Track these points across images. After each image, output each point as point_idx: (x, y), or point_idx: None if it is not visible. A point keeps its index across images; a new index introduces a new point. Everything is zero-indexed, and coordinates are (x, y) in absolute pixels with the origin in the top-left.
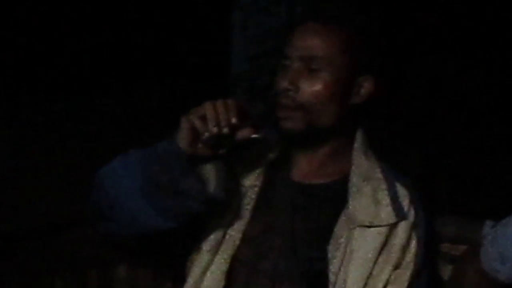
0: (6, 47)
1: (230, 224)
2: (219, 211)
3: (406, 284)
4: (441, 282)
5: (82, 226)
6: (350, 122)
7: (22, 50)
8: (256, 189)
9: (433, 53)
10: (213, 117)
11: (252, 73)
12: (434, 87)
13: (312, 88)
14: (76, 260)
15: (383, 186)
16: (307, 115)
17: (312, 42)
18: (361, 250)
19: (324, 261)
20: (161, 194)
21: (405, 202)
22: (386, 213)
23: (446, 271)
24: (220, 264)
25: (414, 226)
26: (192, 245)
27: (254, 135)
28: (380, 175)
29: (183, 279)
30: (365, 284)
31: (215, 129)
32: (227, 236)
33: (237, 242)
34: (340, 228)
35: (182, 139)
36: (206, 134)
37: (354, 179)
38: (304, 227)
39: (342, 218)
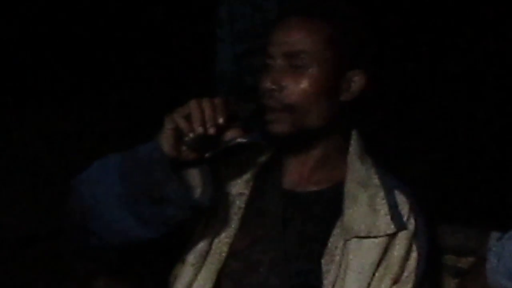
0: None
1: (216, 235)
2: (205, 221)
3: None
4: None
5: (59, 237)
6: (342, 122)
7: None
8: (244, 197)
9: (439, 48)
10: (198, 116)
11: (239, 72)
12: (440, 84)
13: (297, 86)
14: (52, 273)
15: (381, 193)
16: (294, 116)
17: (294, 37)
18: (358, 262)
19: (317, 274)
20: (142, 202)
21: (404, 210)
22: (384, 223)
23: (450, 286)
24: (206, 279)
25: (414, 237)
26: (175, 258)
27: (242, 138)
28: (377, 182)
29: None
30: None
31: (200, 129)
32: (213, 248)
33: (224, 254)
34: (334, 239)
35: (165, 140)
36: (191, 134)
37: (350, 186)
38: (296, 239)
39: (337, 229)
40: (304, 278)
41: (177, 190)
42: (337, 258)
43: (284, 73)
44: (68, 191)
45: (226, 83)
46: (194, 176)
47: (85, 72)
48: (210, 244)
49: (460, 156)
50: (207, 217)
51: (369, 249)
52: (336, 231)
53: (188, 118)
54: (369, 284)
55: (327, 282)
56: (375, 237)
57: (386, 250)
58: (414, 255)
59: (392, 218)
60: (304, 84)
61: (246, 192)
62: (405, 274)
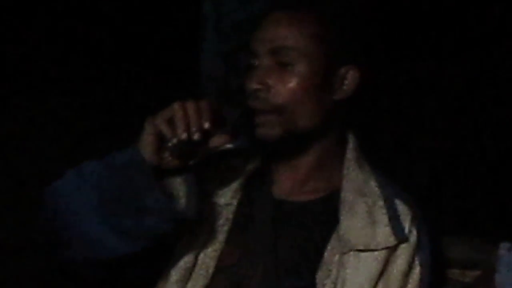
0: None
1: (202, 249)
2: (190, 233)
3: None
4: None
5: (31, 253)
6: (337, 124)
7: None
8: (232, 207)
9: (444, 49)
10: (182, 121)
11: (226, 72)
12: (443, 86)
13: (285, 85)
14: None
15: (380, 202)
16: (283, 118)
17: (279, 32)
18: (355, 278)
19: None
20: (121, 213)
21: (406, 221)
22: (384, 235)
23: None
24: None
25: (417, 250)
26: (158, 274)
27: (229, 144)
28: (376, 190)
29: None
30: None
31: (184, 135)
32: (199, 264)
33: (211, 270)
34: (330, 253)
35: (146, 146)
36: (174, 140)
37: (346, 195)
38: (288, 252)
39: (333, 241)
40: None
41: (159, 200)
42: (333, 273)
43: (271, 72)
44: (40, 202)
45: (211, 84)
46: (178, 186)
47: (61, 71)
48: (196, 259)
49: (466, 162)
50: (192, 230)
51: (367, 264)
52: (331, 244)
53: (170, 122)
54: None
55: None
56: (374, 250)
57: (386, 265)
58: (416, 269)
59: (392, 230)
60: (292, 82)
61: (234, 202)
62: None
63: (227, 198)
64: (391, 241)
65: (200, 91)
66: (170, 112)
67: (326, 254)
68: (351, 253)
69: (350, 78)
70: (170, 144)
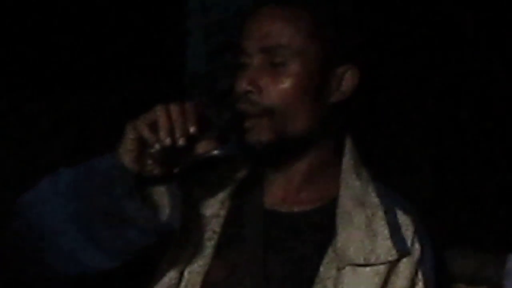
0: None
1: (188, 265)
2: (175, 247)
3: None
4: None
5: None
6: (332, 128)
7: None
8: (220, 219)
9: (455, 49)
10: (166, 125)
11: (213, 72)
12: (449, 86)
13: (278, 86)
14: None
15: (380, 213)
16: (275, 122)
17: (271, 28)
18: None
19: None
20: (100, 225)
21: (408, 233)
22: (385, 248)
23: None
24: None
25: (419, 264)
26: None
27: (217, 150)
28: (376, 200)
29: None
30: None
31: (168, 140)
32: (185, 279)
33: (198, 286)
34: (326, 268)
35: (127, 153)
36: (157, 146)
37: (344, 205)
38: (281, 267)
39: (329, 255)
40: None
41: (140, 211)
42: None
43: (262, 72)
44: (12, 213)
45: (197, 85)
46: (161, 195)
47: (44, 74)
48: (181, 275)
49: (473, 172)
50: (176, 243)
51: (367, 279)
52: (327, 258)
53: (153, 126)
54: None
55: None
56: (374, 265)
57: (387, 280)
58: (419, 285)
59: (393, 243)
60: (285, 84)
61: (222, 213)
62: None
63: (214, 209)
64: (392, 255)
65: (185, 92)
66: (153, 116)
67: (321, 269)
68: (349, 268)
69: (348, 78)
70: (152, 150)
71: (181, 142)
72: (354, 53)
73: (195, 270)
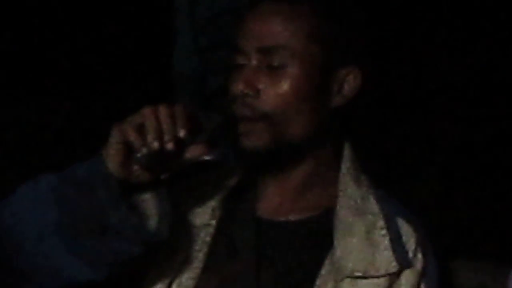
0: None
1: (177, 276)
2: (162, 258)
3: None
4: None
5: None
6: (332, 134)
7: None
8: (210, 229)
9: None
10: (153, 128)
11: (203, 72)
12: (454, 88)
13: (276, 90)
14: None
15: (380, 222)
16: (272, 127)
17: (270, 28)
18: None
19: None
20: (83, 234)
21: (410, 244)
22: (385, 260)
23: None
24: None
25: (422, 276)
26: None
27: (208, 156)
28: (376, 208)
29: None
30: None
31: (155, 144)
32: None
33: None
34: (323, 280)
35: (111, 157)
36: (144, 150)
37: (342, 214)
38: (274, 280)
39: (326, 266)
40: None
41: (126, 220)
42: None
43: (260, 74)
44: None
45: (186, 86)
46: (148, 203)
47: (28, 75)
48: (169, 287)
49: (479, 181)
50: (164, 254)
51: None
52: (325, 269)
53: (140, 129)
54: None
55: None
56: (374, 277)
57: None
58: None
59: (394, 254)
60: (284, 87)
61: (213, 222)
62: None
63: (204, 218)
64: (393, 266)
65: (173, 93)
66: (140, 118)
67: (318, 281)
68: (347, 280)
69: (350, 81)
70: (139, 155)
71: (169, 146)
72: (357, 54)
73: (184, 283)
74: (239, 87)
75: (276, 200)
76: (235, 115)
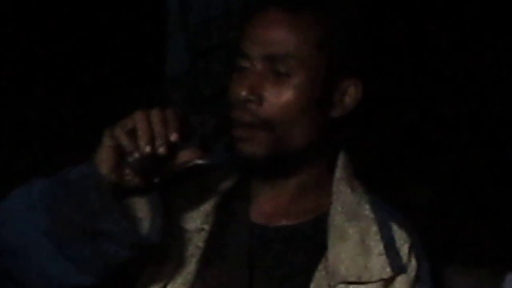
0: None
1: (169, 282)
2: (154, 263)
3: None
4: None
5: None
6: (330, 142)
7: None
8: (203, 234)
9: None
10: (145, 132)
11: (195, 76)
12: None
13: (279, 98)
14: None
15: (374, 228)
16: (272, 136)
17: (278, 35)
18: None
19: None
20: (75, 238)
21: (403, 249)
22: (379, 265)
23: None
24: None
25: (416, 282)
26: None
27: (200, 160)
28: (369, 213)
29: None
30: None
31: (147, 149)
32: None
33: None
34: (317, 285)
35: (103, 162)
36: (136, 155)
37: (336, 219)
38: (268, 285)
39: (319, 272)
40: None
41: (118, 224)
42: None
43: (264, 80)
44: None
45: (179, 90)
46: (140, 207)
47: (11, 76)
48: None
49: (473, 186)
50: (157, 259)
51: None
52: (318, 275)
53: (132, 134)
54: None
55: None
56: (367, 282)
57: None
58: None
59: (388, 259)
60: (287, 95)
61: (206, 227)
62: None
63: (197, 222)
64: (387, 272)
65: (166, 98)
66: (131, 122)
67: (312, 286)
68: (341, 285)
69: (351, 93)
70: (131, 160)
71: (161, 150)
72: (359, 66)
73: None
74: (242, 92)
75: (270, 206)
76: (235, 119)
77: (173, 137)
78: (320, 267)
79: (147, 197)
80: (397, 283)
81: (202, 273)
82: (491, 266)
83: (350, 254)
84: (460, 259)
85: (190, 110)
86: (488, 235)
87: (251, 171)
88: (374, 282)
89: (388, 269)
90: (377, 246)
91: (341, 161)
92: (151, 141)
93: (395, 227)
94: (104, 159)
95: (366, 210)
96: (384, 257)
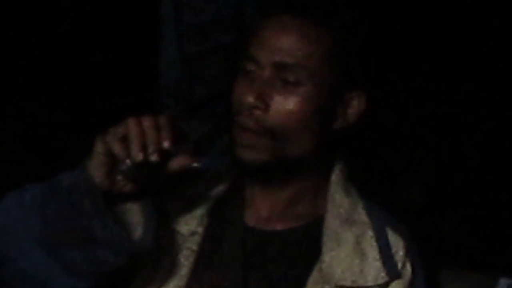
0: None
1: (162, 285)
2: (148, 267)
3: None
4: None
5: None
6: (329, 151)
7: None
8: (197, 237)
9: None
10: (138, 139)
11: (189, 81)
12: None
13: (286, 107)
14: None
15: (370, 232)
16: (274, 143)
17: (290, 44)
18: None
19: None
20: (68, 244)
21: (399, 254)
22: (374, 270)
23: None
24: None
25: (411, 287)
26: None
27: (193, 165)
28: (365, 218)
29: None
30: None
31: (140, 156)
32: None
33: None
34: None
35: (96, 168)
36: (128, 161)
37: (331, 223)
38: None
39: (314, 276)
40: None
41: (111, 230)
42: None
43: (272, 88)
44: None
45: (172, 95)
46: (133, 213)
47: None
48: None
49: (468, 191)
50: (150, 263)
51: None
52: (312, 279)
53: (124, 141)
54: None
55: None
56: (362, 287)
57: None
58: None
59: (383, 264)
60: (293, 105)
61: (200, 231)
62: None
63: (191, 226)
64: (382, 277)
65: (158, 103)
66: (124, 129)
67: None
68: None
69: (354, 105)
70: (123, 167)
71: (154, 157)
72: (364, 80)
73: None
74: (249, 97)
75: (265, 210)
76: (238, 124)
77: (166, 144)
78: (315, 271)
79: (140, 203)
80: None
81: (196, 276)
82: (485, 271)
83: (345, 259)
84: (454, 264)
85: (183, 115)
86: (482, 239)
87: (249, 176)
88: (369, 287)
89: (383, 274)
90: (373, 251)
91: (337, 166)
92: (143, 148)
93: (390, 232)
94: (96, 166)
95: (362, 215)
96: (379, 262)
